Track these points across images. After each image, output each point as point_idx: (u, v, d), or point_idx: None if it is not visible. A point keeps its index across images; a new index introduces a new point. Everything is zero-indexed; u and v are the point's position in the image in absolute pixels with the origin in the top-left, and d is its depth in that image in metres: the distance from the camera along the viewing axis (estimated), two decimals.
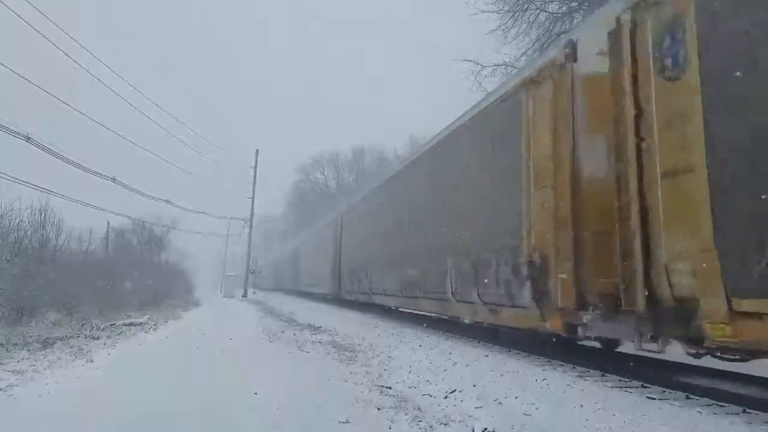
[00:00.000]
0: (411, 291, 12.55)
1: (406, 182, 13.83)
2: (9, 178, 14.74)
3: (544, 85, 7.21)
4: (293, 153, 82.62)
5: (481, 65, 19.45)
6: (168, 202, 27.92)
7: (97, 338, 10.50)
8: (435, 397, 5.29)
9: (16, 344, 9.09)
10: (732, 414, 4.63)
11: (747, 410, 4.67)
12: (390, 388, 5.76)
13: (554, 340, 7.25)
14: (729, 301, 4.34)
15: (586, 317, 6.02)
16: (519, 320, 7.82)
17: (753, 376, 5.60)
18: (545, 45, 17.03)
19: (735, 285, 4.36)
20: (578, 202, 6.35)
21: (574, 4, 18.33)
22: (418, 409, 4.80)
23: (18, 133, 14.94)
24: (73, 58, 18.51)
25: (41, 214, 16.66)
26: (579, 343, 7.05)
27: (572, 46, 6.81)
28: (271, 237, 73.92)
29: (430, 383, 5.96)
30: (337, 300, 22.50)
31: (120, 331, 12.07)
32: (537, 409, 4.75)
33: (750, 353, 4.89)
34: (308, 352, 8.71)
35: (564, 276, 6.37)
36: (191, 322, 15.68)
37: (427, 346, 9.21)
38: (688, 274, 4.74)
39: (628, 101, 5.44)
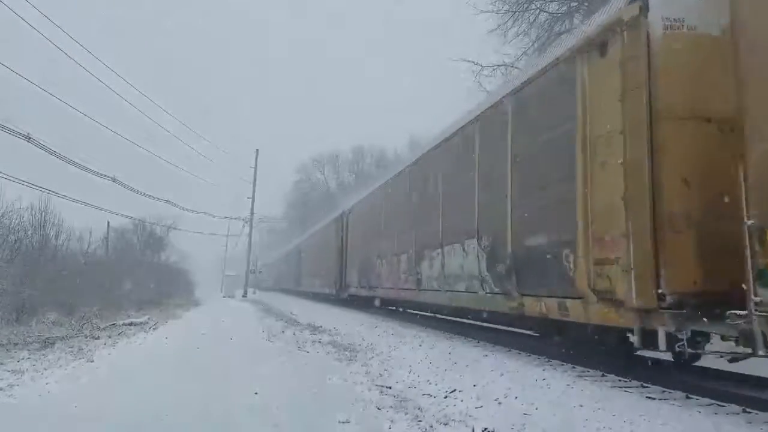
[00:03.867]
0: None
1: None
2: (9, 178, 14.75)
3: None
4: (293, 153, 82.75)
5: (481, 65, 19.47)
6: (168, 202, 27.88)
7: (98, 338, 10.52)
8: (435, 397, 5.29)
9: (17, 344, 9.11)
10: (732, 414, 4.63)
11: (747, 410, 4.67)
12: (390, 387, 5.76)
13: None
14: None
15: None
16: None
17: (753, 376, 5.61)
18: (545, 44, 17.03)
19: None
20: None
21: (574, 4, 18.33)
22: (418, 408, 4.80)
23: (18, 133, 14.92)
24: (74, 58, 18.48)
25: (41, 214, 16.70)
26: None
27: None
28: (271, 237, 73.95)
29: (430, 383, 5.96)
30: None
31: (120, 331, 12.09)
32: (537, 409, 4.75)
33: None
34: (308, 352, 8.71)
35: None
36: (191, 322, 15.69)
37: (427, 346, 9.21)
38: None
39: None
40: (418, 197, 12.33)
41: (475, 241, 8.76)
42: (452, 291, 9.90)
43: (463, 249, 9.24)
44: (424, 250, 11.38)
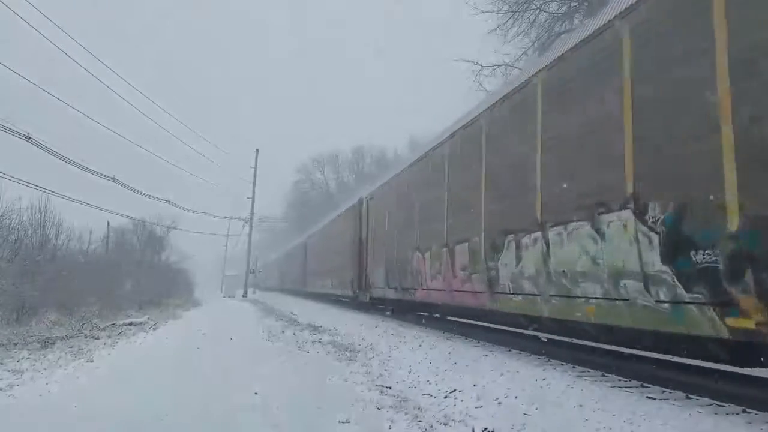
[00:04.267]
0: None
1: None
2: (9, 178, 14.76)
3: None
4: (293, 153, 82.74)
5: (481, 65, 19.49)
6: (168, 202, 27.89)
7: (97, 338, 10.52)
8: (435, 397, 5.29)
9: (16, 344, 9.10)
10: (732, 414, 4.63)
11: (747, 410, 4.67)
12: (390, 387, 5.76)
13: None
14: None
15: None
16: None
17: (753, 376, 5.60)
18: (545, 44, 17.05)
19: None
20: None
21: (574, 4, 18.34)
22: (418, 408, 4.80)
23: (18, 133, 14.93)
24: (74, 59, 18.50)
25: (41, 214, 16.70)
26: None
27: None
28: (271, 237, 73.95)
29: (430, 383, 5.96)
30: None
31: (120, 331, 12.09)
32: (537, 409, 4.75)
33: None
34: (308, 352, 8.71)
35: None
36: (191, 322, 15.69)
37: (427, 346, 9.21)
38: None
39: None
40: (493, 156, 8.66)
41: (628, 213, 5.44)
42: (567, 297, 6.53)
43: (596, 228, 5.95)
44: (504, 236, 7.95)
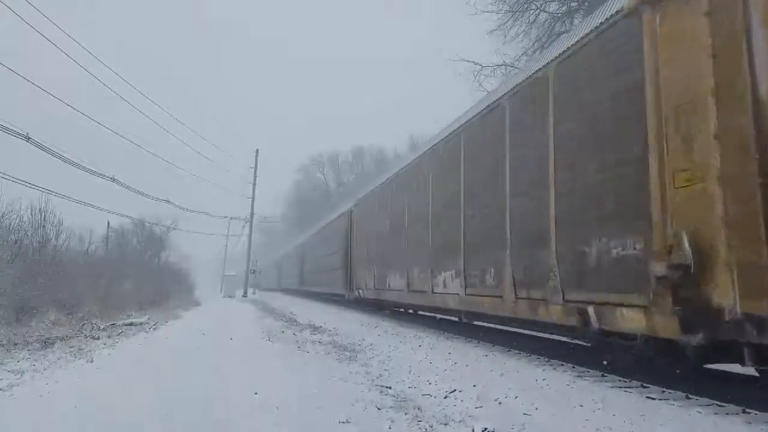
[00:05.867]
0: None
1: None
2: (9, 178, 14.78)
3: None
4: (293, 153, 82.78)
5: (481, 65, 19.50)
6: (168, 202, 27.93)
7: (97, 338, 10.52)
8: (435, 397, 5.29)
9: (16, 344, 9.10)
10: (732, 414, 4.63)
11: (747, 410, 4.67)
12: (390, 387, 5.76)
13: None
14: None
15: None
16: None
17: (753, 376, 5.60)
18: (545, 45, 17.06)
19: None
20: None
21: (574, 4, 18.34)
22: (418, 408, 4.80)
23: (18, 133, 14.94)
24: (74, 58, 18.53)
25: (41, 214, 16.70)
26: None
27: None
28: (271, 237, 73.93)
29: (430, 383, 5.96)
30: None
31: (120, 331, 12.09)
32: (537, 409, 4.75)
33: None
34: (308, 352, 8.71)
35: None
36: (191, 322, 15.68)
37: (427, 346, 9.21)
38: None
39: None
40: None
41: None
42: None
43: None
44: None
